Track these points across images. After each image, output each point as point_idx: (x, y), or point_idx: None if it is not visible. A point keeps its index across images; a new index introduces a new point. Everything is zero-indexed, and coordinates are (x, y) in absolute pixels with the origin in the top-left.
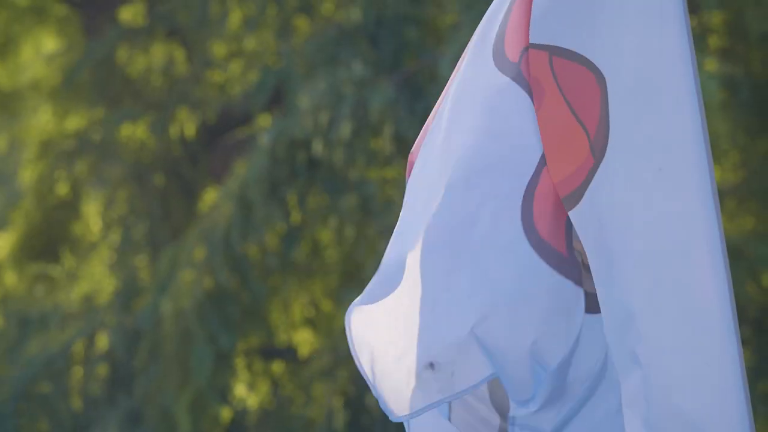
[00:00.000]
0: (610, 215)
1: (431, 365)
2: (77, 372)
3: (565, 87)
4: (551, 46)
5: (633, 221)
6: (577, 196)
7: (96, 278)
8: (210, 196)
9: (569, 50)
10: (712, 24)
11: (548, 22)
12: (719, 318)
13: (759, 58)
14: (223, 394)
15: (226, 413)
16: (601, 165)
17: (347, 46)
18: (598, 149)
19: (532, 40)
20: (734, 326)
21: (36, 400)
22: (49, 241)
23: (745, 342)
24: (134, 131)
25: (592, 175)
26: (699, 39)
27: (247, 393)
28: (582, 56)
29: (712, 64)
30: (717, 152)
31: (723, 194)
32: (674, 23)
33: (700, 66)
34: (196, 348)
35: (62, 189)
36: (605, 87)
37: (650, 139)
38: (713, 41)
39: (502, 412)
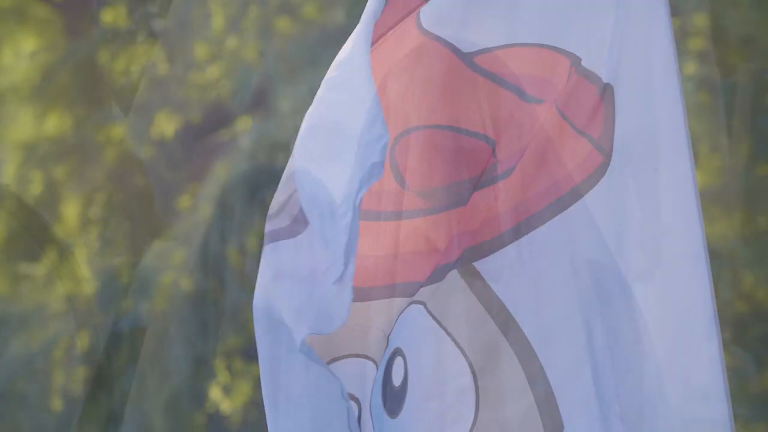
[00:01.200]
0: (614, 216)
1: None
2: (58, 371)
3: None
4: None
5: (631, 223)
6: (572, 196)
7: (77, 279)
8: (190, 199)
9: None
10: (692, 27)
11: (569, 28)
12: (700, 320)
13: (739, 60)
14: (202, 396)
15: (205, 414)
16: (611, 162)
17: (329, 48)
18: (606, 147)
19: (548, 42)
20: (716, 328)
21: (16, 399)
22: (30, 241)
23: (726, 344)
24: (115, 132)
25: (603, 171)
26: (679, 41)
27: (226, 394)
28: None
29: (691, 67)
30: (698, 155)
31: (704, 197)
32: (660, 27)
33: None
34: (174, 350)
35: (43, 190)
36: (610, 91)
37: (646, 142)
38: (693, 43)
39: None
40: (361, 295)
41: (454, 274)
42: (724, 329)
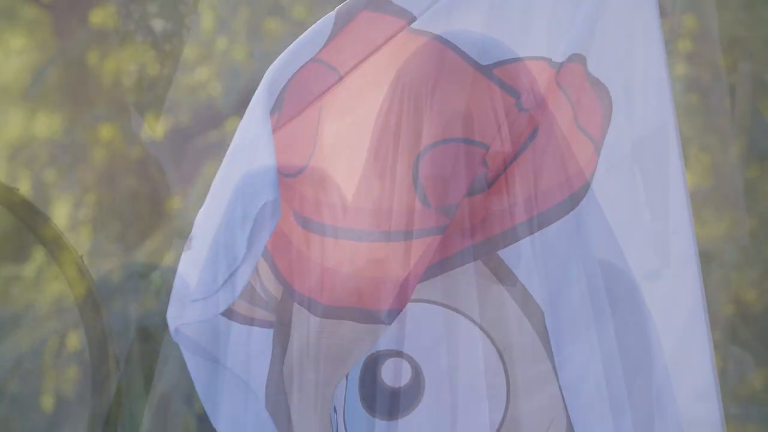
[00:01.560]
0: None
1: None
2: (48, 372)
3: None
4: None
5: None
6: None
7: (67, 279)
8: (180, 200)
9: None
10: (681, 28)
11: (567, 36)
12: (698, 321)
13: (729, 61)
14: (192, 396)
15: (194, 415)
16: (598, 162)
17: None
18: (599, 146)
19: (547, 54)
20: (706, 330)
21: (7, 400)
22: (20, 242)
23: (717, 345)
24: (105, 133)
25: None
26: (668, 43)
27: None
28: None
29: (681, 68)
30: (687, 156)
31: (695, 198)
32: (649, 28)
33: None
34: (165, 350)
35: (33, 190)
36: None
37: (638, 143)
38: (683, 45)
39: None
40: (369, 317)
41: (479, 266)
42: (715, 330)
